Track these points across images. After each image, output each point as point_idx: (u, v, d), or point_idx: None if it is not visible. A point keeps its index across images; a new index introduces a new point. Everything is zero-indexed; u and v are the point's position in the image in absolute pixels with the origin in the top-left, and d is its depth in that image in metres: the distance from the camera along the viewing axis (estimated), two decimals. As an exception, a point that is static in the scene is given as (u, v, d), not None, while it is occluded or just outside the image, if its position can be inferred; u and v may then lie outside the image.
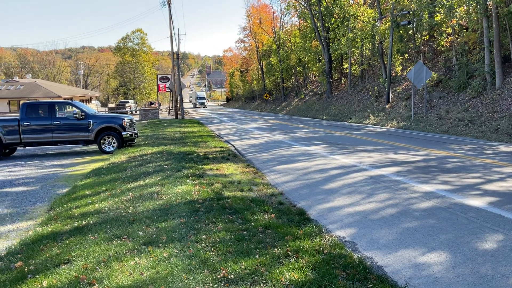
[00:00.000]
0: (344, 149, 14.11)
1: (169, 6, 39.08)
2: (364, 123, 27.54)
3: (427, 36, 29.86)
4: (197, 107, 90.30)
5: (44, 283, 4.18)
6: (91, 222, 6.27)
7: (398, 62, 32.46)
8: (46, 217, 6.97)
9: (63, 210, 7.18)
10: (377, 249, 5.11)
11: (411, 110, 25.40)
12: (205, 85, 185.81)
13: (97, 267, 4.49)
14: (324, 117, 35.75)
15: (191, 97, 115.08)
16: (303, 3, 46.11)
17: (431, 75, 24.95)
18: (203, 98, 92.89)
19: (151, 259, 4.67)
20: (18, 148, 16.35)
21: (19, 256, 5.07)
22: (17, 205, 8.12)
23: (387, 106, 29.56)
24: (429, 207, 6.72)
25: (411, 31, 30.29)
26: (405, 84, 30.73)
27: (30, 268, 4.60)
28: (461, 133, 18.40)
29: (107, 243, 5.23)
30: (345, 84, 43.25)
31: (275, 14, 67.95)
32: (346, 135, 19.32)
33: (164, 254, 4.77)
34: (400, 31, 29.49)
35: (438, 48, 28.98)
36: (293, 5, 51.64)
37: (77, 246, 5.21)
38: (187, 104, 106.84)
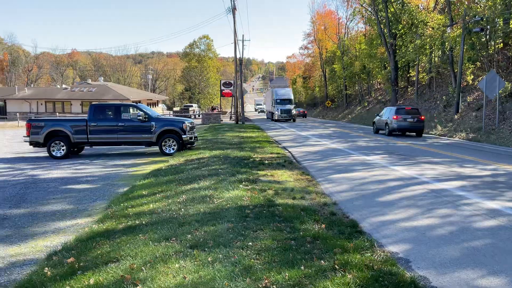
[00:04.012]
0: (405, 160, 13.53)
1: (234, 14, 39.71)
2: (431, 134, 26.37)
3: (502, 44, 28.07)
4: (261, 112, 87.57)
5: (91, 281, 4.28)
6: (143, 222, 6.40)
7: (469, 70, 30.82)
8: (103, 215, 7.22)
9: (119, 209, 7.40)
10: (433, 268, 4.78)
11: (481, 121, 23.96)
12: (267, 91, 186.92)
13: (143, 267, 4.55)
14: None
15: (258, 104, 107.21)
16: (369, 9, 45.18)
17: (505, 85, 23.39)
18: (260, 104, 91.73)
19: (195, 263, 4.66)
20: (85, 147, 17.19)
21: (72, 252, 5.26)
22: (78, 202, 8.50)
23: (456, 117, 28.12)
24: (494, 226, 6.22)
25: (484, 39, 28.68)
26: (476, 94, 29.10)
27: (81, 264, 4.75)
28: (537, 148, 17.10)
29: (155, 244, 5.30)
30: (411, 93, 41.75)
31: (340, 21, 67.10)
32: (409, 145, 18.56)
33: (209, 259, 4.74)
34: (472, 38, 28.01)
35: (514, 56, 27.19)
36: (359, 11, 50.71)
37: (127, 245, 5.33)
38: (251, 110, 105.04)
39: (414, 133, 24.30)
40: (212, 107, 68.50)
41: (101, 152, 17.49)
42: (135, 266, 4.60)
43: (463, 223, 6.43)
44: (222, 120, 47.70)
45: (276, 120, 46.16)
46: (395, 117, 23.78)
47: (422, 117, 24.37)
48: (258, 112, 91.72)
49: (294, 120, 46.18)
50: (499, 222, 6.44)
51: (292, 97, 48.67)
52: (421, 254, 5.21)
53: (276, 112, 46.20)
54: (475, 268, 4.74)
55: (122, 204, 7.74)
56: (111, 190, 9.74)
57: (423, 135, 24.47)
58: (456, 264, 4.87)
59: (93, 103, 17.25)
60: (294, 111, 46.48)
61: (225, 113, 58.59)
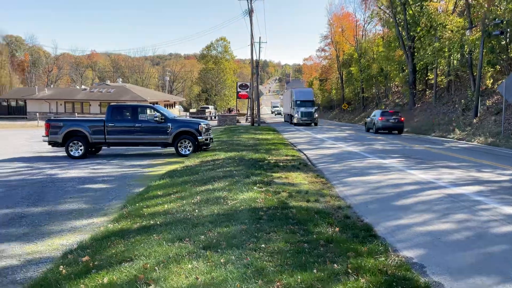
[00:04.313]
0: (422, 164, 13.38)
1: (251, 16, 39.80)
2: (448, 138, 26.03)
3: (523, 46, 27.59)
4: (278, 114, 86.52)
5: (105, 280, 4.33)
6: (158, 222, 6.45)
7: (489, 74, 30.35)
8: (118, 214, 7.30)
9: (134, 209, 7.47)
10: (448, 274, 4.71)
11: (501, 125, 23.55)
12: (283, 93, 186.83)
13: (156, 267, 4.59)
14: (405, 129, 34.29)
15: (274, 106, 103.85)
16: (388, 11, 44.81)
17: (526, 89, 22.95)
18: (277, 106, 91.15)
19: (208, 264, 4.68)
20: (103, 147, 17.40)
21: (87, 250, 5.33)
22: (94, 201, 8.61)
23: (474, 121, 27.70)
24: (511, 232, 6.11)
25: (503, 42, 28.23)
26: (495, 97, 28.61)
27: (95, 263, 4.81)
28: (558, 153, 16.73)
29: (169, 244, 5.34)
30: (429, 96, 41.26)
31: (357, 23, 66.56)
32: (426, 149, 18.34)
33: (222, 260, 4.76)
34: (492, 42, 27.57)
35: (536, 59, 26.68)
36: (377, 14, 50.33)
37: (141, 245, 5.38)
38: (267, 112, 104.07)
39: (396, 131, 29.78)
40: (229, 108, 68.56)
41: (118, 153, 17.69)
42: (148, 266, 4.64)
43: (480, 229, 6.33)
44: (239, 122, 47.79)
45: (295, 124, 41.98)
46: (380, 118, 29.59)
47: (402, 119, 30.00)
48: (275, 115, 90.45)
49: (315, 124, 41.95)
50: (517, 228, 6.31)
51: (314, 98, 45.24)
52: (436, 260, 5.14)
53: (296, 115, 41.81)
54: (491, 275, 4.66)
55: (137, 204, 7.82)
56: (127, 190, 9.84)
57: (442, 138, 24.35)
58: (471, 270, 4.79)
59: (111, 104, 17.45)
60: (316, 114, 42.05)
61: (243, 115, 57.96)
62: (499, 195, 8.62)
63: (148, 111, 16.42)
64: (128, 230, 6.15)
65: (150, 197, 8.47)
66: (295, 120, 42.14)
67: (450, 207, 7.69)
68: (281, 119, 65.02)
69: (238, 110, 66.22)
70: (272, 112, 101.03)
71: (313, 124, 41.78)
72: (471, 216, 7.01)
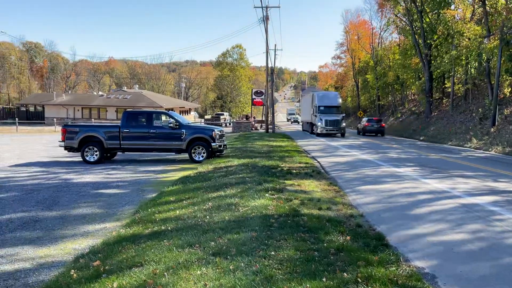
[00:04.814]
0: (437, 173, 13.21)
1: (266, 24, 39.95)
2: (465, 147, 25.68)
3: (542, 54, 27.12)
4: (294, 122, 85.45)
5: (115, 284, 4.36)
6: (169, 228, 6.48)
7: (507, 83, 29.89)
8: (131, 219, 7.36)
9: (146, 214, 7.52)
10: (459, 285, 4.64)
11: (519, 135, 23.16)
12: (298, 101, 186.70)
13: (165, 273, 4.61)
14: (421, 138, 33.98)
15: (290, 114, 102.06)
16: (404, 19, 44.59)
17: (545, 98, 22.59)
18: (293, 114, 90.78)
19: (217, 270, 4.68)
20: (118, 153, 17.58)
21: (99, 255, 5.38)
22: (108, 206, 8.70)
23: (492, 130, 27.27)
24: (528, 244, 5.99)
25: (523, 50, 27.73)
26: (514, 106, 28.16)
27: (106, 267, 4.85)
28: None
29: (179, 250, 5.36)
30: (446, 104, 40.80)
31: (374, 31, 66.35)
32: (442, 158, 18.12)
33: (231, 267, 4.75)
34: (510, 50, 27.16)
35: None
36: (393, 21, 50.08)
37: (152, 250, 5.41)
38: (283, 120, 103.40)
39: (380, 134, 37.55)
40: (246, 115, 68.28)
41: (132, 158, 17.85)
42: (157, 271, 4.67)
43: (494, 239, 6.22)
44: (257, 129, 47.73)
45: (318, 134, 35.37)
46: (366, 124, 37.88)
47: (383, 124, 38.44)
48: (291, 122, 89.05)
49: (343, 135, 35.21)
50: (533, 240, 6.19)
51: (340, 103, 38.29)
52: (448, 270, 5.06)
53: (319, 123, 34.96)
54: (504, 287, 4.56)
55: (149, 210, 7.87)
56: (140, 195, 9.92)
57: (459, 147, 24.06)
58: (484, 282, 4.71)
59: (127, 110, 17.65)
60: (343, 123, 35.39)
61: (260, 122, 56.45)
62: (516, 206, 8.45)
63: (162, 117, 16.56)
64: (139, 235, 6.20)
65: (163, 203, 8.53)
66: (318, 130, 35.30)
67: (464, 217, 7.58)
68: (298, 127, 62.65)
69: (254, 117, 66.25)
70: (288, 120, 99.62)
71: (339, 134, 35.41)
72: (485, 227, 6.90)
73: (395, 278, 4.59)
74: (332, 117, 34.93)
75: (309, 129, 40.64)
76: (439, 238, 6.33)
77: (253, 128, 47.61)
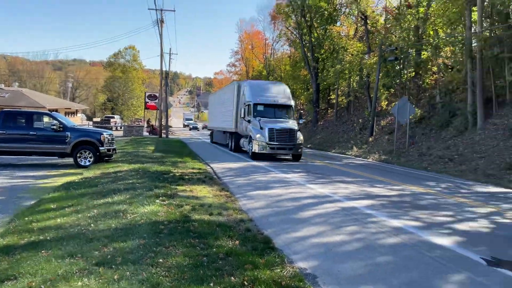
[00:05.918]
0: (321, 179, 14.05)
1: (160, 27, 39.38)
2: (347, 154, 27.63)
3: (413, 73, 30.36)
4: (193, 129, 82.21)
5: (-18, 300, 3.96)
6: (48, 237, 6.06)
7: (384, 96, 32.86)
8: (4, 229, 6.73)
9: (22, 223, 6.95)
10: (337, 284, 4.98)
11: (393, 144, 25.57)
12: (194, 106, 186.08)
13: (42, 285, 4.31)
14: (308, 146, 35.82)
15: (188, 119, 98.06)
16: (295, 32, 46.82)
17: (415, 112, 25.28)
18: (191, 119, 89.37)
19: (100, 280, 4.48)
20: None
21: (-37, 269, 4.83)
22: (-24, 215, 7.85)
23: (370, 139, 29.78)
24: (396, 243, 6.63)
25: (398, 67, 30.78)
26: (389, 118, 31.06)
27: (-29, 283, 4.38)
28: (440, 171, 18.47)
29: (58, 261, 5.03)
30: (331, 114, 43.60)
31: (267, 41, 68.79)
32: (326, 165, 19.31)
33: (115, 277, 4.58)
34: (387, 66, 29.96)
35: (423, 85, 29.49)
36: (285, 34, 52.41)
37: (28, 262, 5.01)
38: (179, 126, 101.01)
39: None
40: (148, 120, 64.53)
41: (9, 162, 16.31)
42: (33, 284, 4.34)
43: (369, 240, 6.78)
44: (144, 133, 46.45)
45: (254, 155, 20.26)
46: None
47: None
48: (190, 129, 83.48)
49: (298, 157, 20.95)
50: (401, 239, 6.86)
51: (293, 102, 24.03)
52: (327, 270, 5.41)
53: (257, 134, 20.05)
54: (377, 284, 5.00)
55: (26, 218, 7.27)
56: (17, 203, 9.10)
57: (341, 155, 25.83)
58: (359, 280, 5.11)
59: (3, 109, 16.12)
60: (300, 135, 20.75)
61: (151, 125, 53.77)
62: (388, 209, 9.31)
63: (45, 118, 15.44)
64: (14, 246, 5.71)
65: (42, 211, 7.93)
66: (254, 146, 20.26)
67: (343, 219, 8.16)
68: (198, 135, 55.20)
69: (149, 121, 64.16)
70: (186, 126, 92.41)
71: (291, 155, 21.23)
72: (361, 228, 7.50)
73: (279, 280, 4.80)
74: (280, 125, 20.49)
75: (230, 142, 26.11)
76: (321, 240, 6.74)
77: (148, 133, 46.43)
